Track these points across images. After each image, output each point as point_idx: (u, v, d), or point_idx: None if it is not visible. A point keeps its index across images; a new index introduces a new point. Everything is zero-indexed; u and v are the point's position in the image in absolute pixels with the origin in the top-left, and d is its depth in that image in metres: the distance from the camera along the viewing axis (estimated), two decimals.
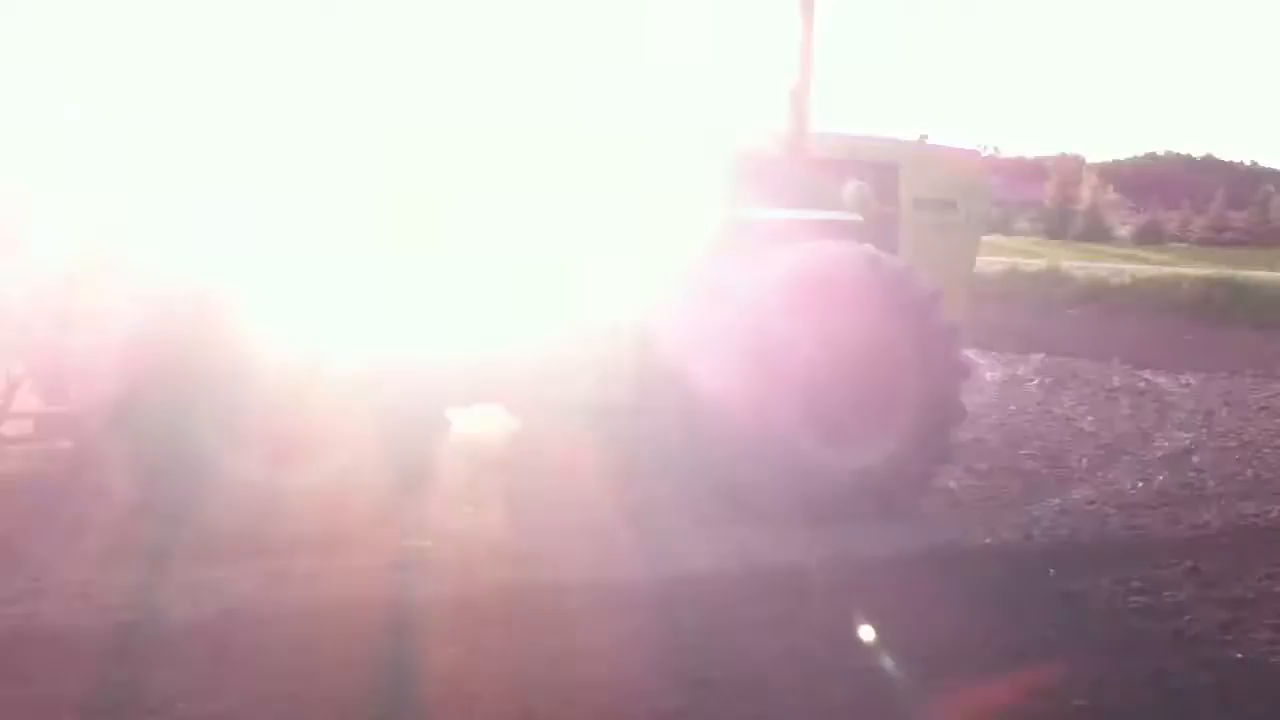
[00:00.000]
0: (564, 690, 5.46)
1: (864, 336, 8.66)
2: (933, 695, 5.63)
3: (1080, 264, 29.47)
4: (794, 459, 8.41)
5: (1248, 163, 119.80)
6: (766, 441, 8.33)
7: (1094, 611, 6.93)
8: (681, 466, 8.60)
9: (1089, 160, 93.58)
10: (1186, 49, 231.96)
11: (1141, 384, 15.56)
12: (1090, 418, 12.84)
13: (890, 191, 9.86)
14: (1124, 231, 74.62)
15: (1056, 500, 9.42)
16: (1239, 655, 6.25)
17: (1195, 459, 11.10)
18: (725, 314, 8.39)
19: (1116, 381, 15.63)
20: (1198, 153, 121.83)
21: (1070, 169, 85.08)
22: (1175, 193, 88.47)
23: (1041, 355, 17.42)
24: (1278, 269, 29.41)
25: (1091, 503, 9.39)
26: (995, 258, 34.35)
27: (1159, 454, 11.33)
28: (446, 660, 5.74)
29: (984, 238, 11.52)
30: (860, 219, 9.32)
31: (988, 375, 15.67)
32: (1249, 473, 10.61)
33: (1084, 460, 10.92)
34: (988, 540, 8.30)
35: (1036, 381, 15.43)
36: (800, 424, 8.53)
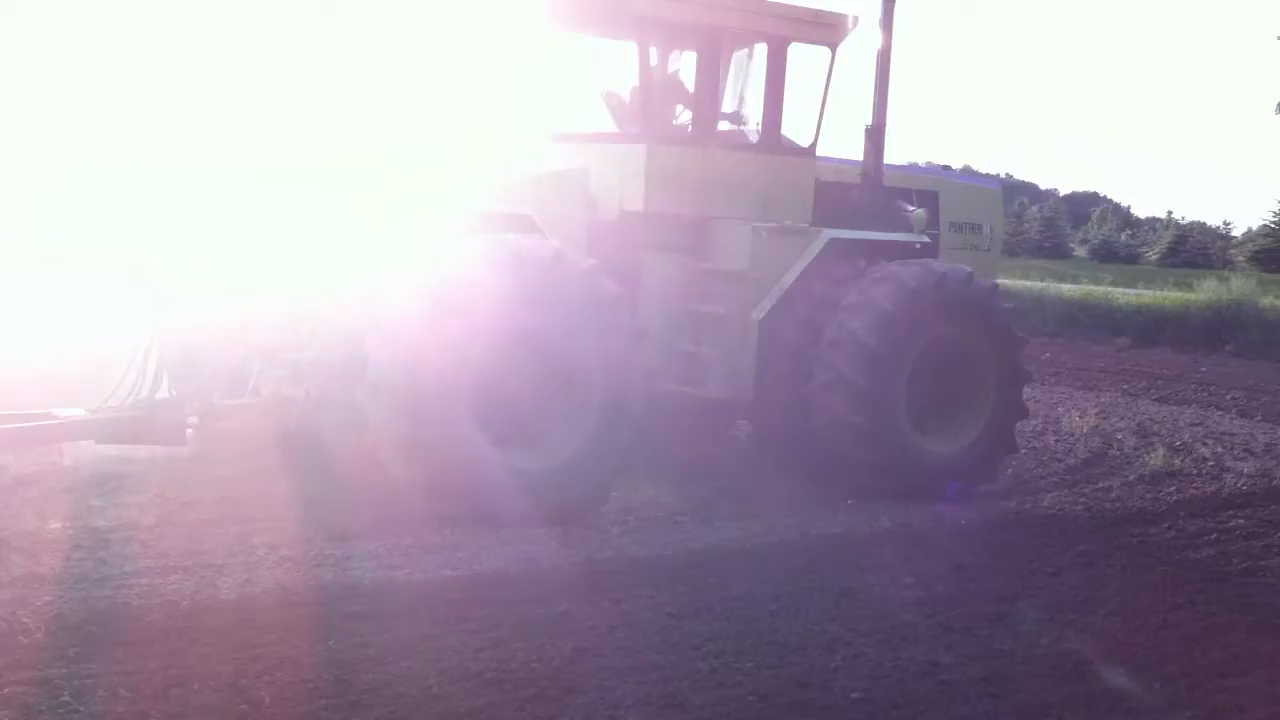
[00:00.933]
0: (353, 695, 5.37)
1: (964, 343, 10.24)
2: (721, 689, 5.74)
3: None
4: (902, 443, 9.78)
5: (1003, 175, 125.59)
6: (881, 428, 9.63)
7: (868, 606, 7.13)
8: (794, 450, 10.06)
9: None
10: (944, 63, 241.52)
11: None
12: None
13: (933, 216, 11.30)
14: None
15: (849, 499, 9.64)
16: (1006, 646, 6.55)
17: None
18: (843, 320, 9.75)
19: None
20: (956, 164, 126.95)
21: None
22: None
23: None
24: (1030, 278, 30.89)
25: (865, 502, 9.65)
26: None
27: None
28: (227, 667, 5.59)
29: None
30: (928, 240, 10.97)
31: None
32: (1009, 472, 11.09)
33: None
34: (769, 538, 8.50)
35: None
36: (907, 414, 9.90)
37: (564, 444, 8.62)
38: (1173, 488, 10.85)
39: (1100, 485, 10.77)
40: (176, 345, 8.89)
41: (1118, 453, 12.36)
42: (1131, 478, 11.15)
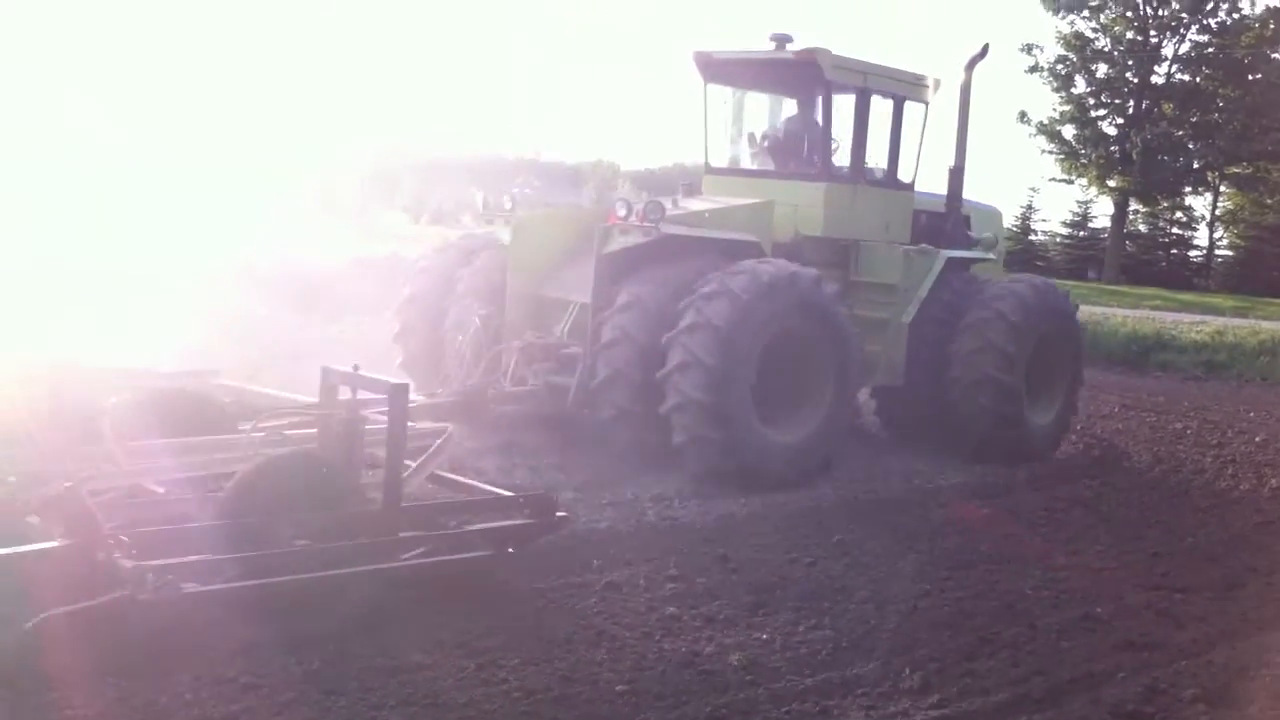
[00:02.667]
0: (101, 705, 5.15)
1: (1053, 337, 12.95)
2: (486, 686, 5.70)
3: None
4: (1019, 415, 12.53)
5: None
6: (1006, 403, 12.33)
7: (633, 600, 7.20)
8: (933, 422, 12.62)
9: (623, 168, 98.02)
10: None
11: None
12: None
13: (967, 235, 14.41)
14: None
15: (607, 495, 9.69)
16: (764, 636, 6.70)
17: None
18: (972, 318, 12.45)
19: None
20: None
21: (606, 175, 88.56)
22: None
23: None
24: None
25: (633, 497, 9.76)
26: None
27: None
28: None
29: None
30: (994, 257, 14.27)
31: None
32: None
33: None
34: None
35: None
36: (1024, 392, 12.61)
37: (805, 424, 10.99)
38: (922, 480, 11.28)
39: (853, 478, 11.10)
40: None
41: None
42: (881, 470, 11.53)
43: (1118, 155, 51.97)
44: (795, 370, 11.03)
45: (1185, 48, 52.25)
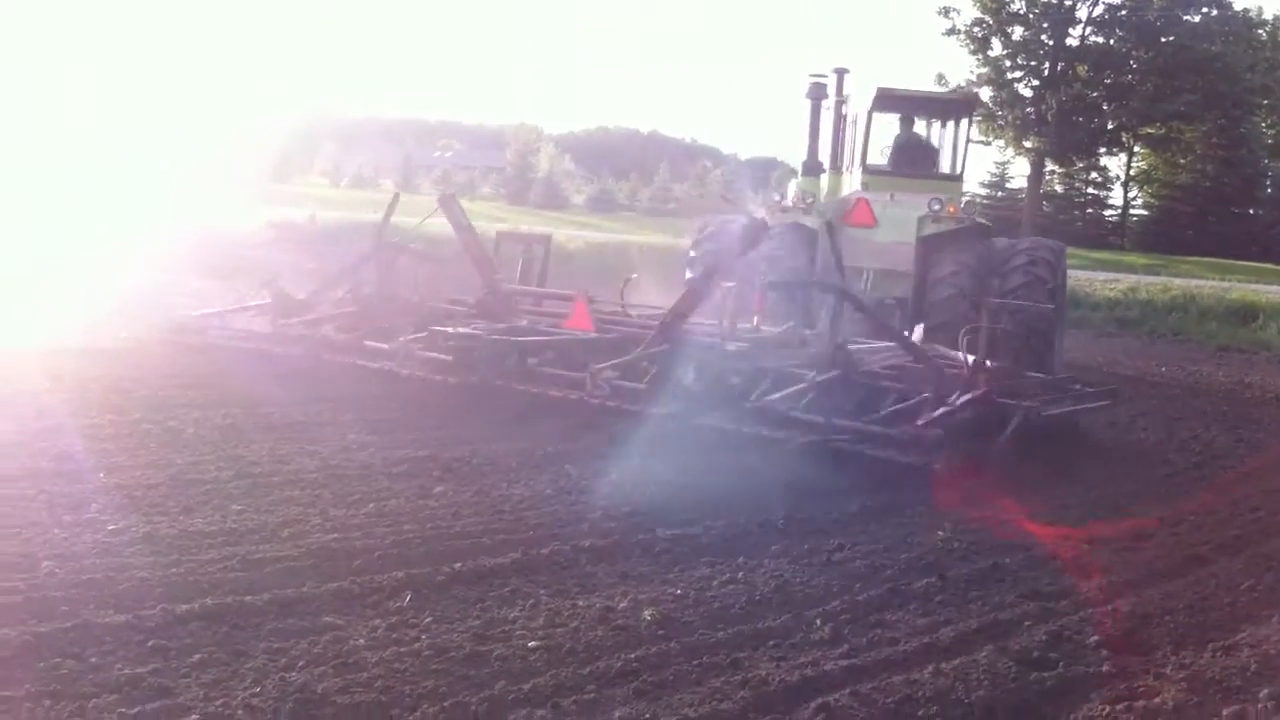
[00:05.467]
0: None
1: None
2: (398, 646, 5.67)
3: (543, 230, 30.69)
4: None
5: (688, 140, 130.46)
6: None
7: (548, 558, 7.18)
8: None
9: (546, 131, 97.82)
10: (637, 35, 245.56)
11: None
12: None
13: None
14: (579, 199, 78.27)
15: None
16: (679, 590, 6.72)
17: None
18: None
19: None
20: (645, 128, 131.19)
21: (529, 138, 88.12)
22: (624, 165, 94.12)
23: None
24: None
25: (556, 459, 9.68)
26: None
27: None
28: None
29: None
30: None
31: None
32: None
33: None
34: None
35: None
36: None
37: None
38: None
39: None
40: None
41: None
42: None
43: (1033, 117, 52.59)
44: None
45: (1099, 10, 52.91)
